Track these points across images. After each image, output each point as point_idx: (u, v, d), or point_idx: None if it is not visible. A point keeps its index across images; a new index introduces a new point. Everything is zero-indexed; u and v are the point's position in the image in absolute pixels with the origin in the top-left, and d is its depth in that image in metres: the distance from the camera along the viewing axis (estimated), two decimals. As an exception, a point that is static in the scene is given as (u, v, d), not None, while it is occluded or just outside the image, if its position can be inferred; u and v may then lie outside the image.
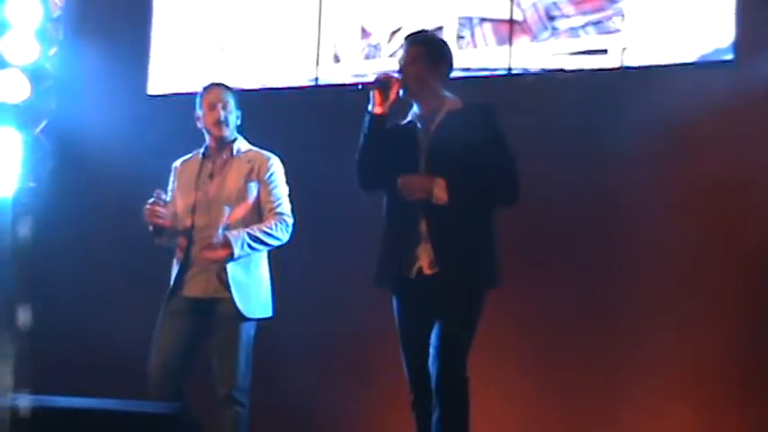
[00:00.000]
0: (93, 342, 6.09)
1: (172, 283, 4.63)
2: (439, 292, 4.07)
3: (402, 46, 4.29)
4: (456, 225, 4.06)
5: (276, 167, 4.72)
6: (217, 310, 4.56)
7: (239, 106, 4.73)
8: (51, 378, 5.83)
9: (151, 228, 4.58)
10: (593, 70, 5.67)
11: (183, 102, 6.28)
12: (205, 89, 4.76)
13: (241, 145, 4.74)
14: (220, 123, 4.66)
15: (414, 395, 4.19)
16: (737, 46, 5.35)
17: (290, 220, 4.67)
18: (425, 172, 4.12)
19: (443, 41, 4.37)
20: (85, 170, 6.50)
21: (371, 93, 4.15)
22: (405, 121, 4.28)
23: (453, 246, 4.07)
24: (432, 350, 4.05)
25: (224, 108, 4.68)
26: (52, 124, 6.60)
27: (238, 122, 4.74)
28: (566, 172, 5.47)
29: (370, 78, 4.23)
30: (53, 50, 6.58)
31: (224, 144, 4.70)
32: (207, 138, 4.74)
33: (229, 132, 4.70)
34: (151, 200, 4.54)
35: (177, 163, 4.83)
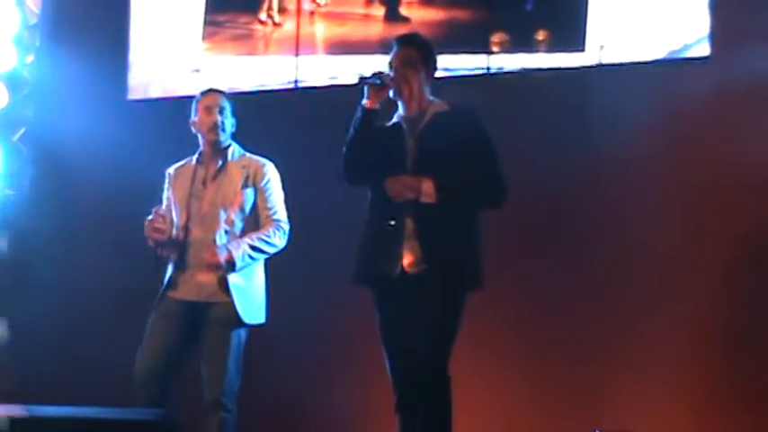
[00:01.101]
0: (74, 350, 6.07)
1: (165, 285, 4.61)
2: (422, 291, 4.07)
3: (393, 47, 4.29)
4: (443, 224, 4.06)
5: (272, 174, 4.70)
6: (209, 315, 4.54)
7: (235, 114, 4.72)
8: (33, 387, 5.87)
9: (152, 244, 4.55)
10: (570, 68, 5.68)
11: (163, 107, 6.37)
12: (202, 94, 4.75)
13: (236, 150, 4.72)
14: (216, 128, 4.64)
15: (397, 396, 4.18)
16: (713, 41, 5.36)
17: (287, 227, 4.66)
18: (412, 172, 4.12)
19: (431, 44, 4.37)
20: (65, 178, 6.47)
21: (366, 87, 4.15)
22: (390, 123, 4.29)
23: (440, 245, 4.07)
24: (414, 353, 4.05)
25: (220, 113, 4.65)
26: (31, 132, 6.60)
27: (233, 129, 4.71)
28: (545, 170, 5.47)
29: (366, 73, 4.20)
30: (30, 57, 6.57)
31: (218, 150, 4.67)
32: (201, 143, 4.71)
33: (224, 138, 4.67)
34: (150, 217, 4.51)
35: (171, 169, 4.79)
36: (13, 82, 6.43)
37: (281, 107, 6.12)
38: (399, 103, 4.25)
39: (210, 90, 4.78)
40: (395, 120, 4.28)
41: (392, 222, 4.11)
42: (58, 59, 6.61)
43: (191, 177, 4.67)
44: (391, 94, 4.20)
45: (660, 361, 5.27)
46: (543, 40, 5.81)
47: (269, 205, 4.65)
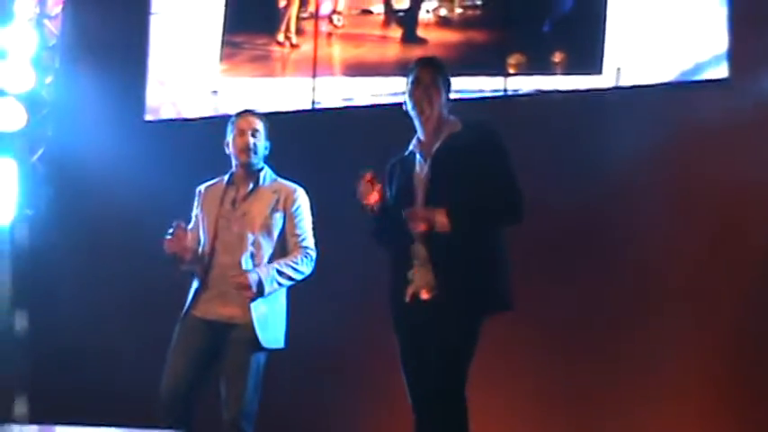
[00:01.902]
0: (96, 370, 6.07)
1: (189, 303, 4.58)
2: (436, 316, 4.04)
3: (411, 70, 4.27)
4: (457, 248, 4.03)
5: (302, 200, 4.67)
6: (230, 335, 4.52)
7: (269, 137, 4.69)
8: (57, 407, 5.85)
9: (172, 258, 4.51)
10: (587, 90, 5.70)
11: (181, 127, 6.39)
12: (237, 115, 4.71)
13: (267, 174, 4.70)
14: (248, 150, 4.61)
15: (415, 415, 4.16)
16: (732, 63, 5.37)
17: (314, 254, 4.64)
18: (426, 196, 4.11)
19: (444, 65, 4.35)
20: (83, 197, 6.47)
21: (358, 190, 4.13)
22: (407, 152, 4.29)
23: (454, 270, 4.04)
24: (429, 379, 4.03)
25: (253, 135, 4.62)
26: (49, 152, 6.61)
27: (266, 152, 4.69)
28: (560, 191, 5.47)
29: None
30: (49, 78, 6.59)
31: (250, 172, 4.65)
32: (234, 164, 4.69)
33: (257, 160, 4.64)
34: (171, 230, 4.49)
35: (202, 187, 4.76)
36: (32, 102, 6.44)
37: (299, 128, 6.10)
38: (417, 125, 4.25)
39: (246, 111, 4.73)
40: (411, 148, 4.28)
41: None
42: (76, 80, 6.64)
43: (220, 198, 4.65)
44: (410, 110, 4.20)
45: (677, 371, 5.30)
46: (560, 62, 5.82)
47: (297, 231, 4.62)
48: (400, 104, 4.23)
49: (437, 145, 4.17)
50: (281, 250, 4.60)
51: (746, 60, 5.34)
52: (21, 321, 6.38)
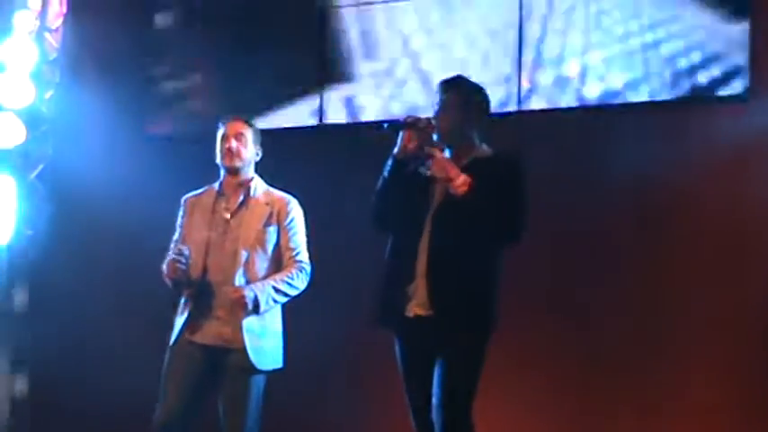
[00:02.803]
0: (94, 393, 5.95)
1: (181, 326, 4.43)
2: (439, 335, 3.95)
3: (437, 91, 4.16)
4: (456, 265, 3.94)
5: (296, 212, 4.54)
6: (228, 361, 4.38)
7: (259, 143, 4.56)
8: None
9: (171, 283, 4.40)
10: (598, 106, 5.63)
11: (185, 142, 6.28)
12: (223, 122, 4.59)
13: (258, 185, 4.57)
14: (231, 154, 4.46)
15: None
16: (749, 80, 5.29)
17: (309, 268, 4.51)
18: (435, 214, 4.01)
19: (480, 87, 4.22)
20: (84, 216, 6.35)
21: (400, 134, 4.04)
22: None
23: (450, 286, 3.94)
24: (434, 399, 3.94)
25: (237, 139, 4.48)
26: (49, 169, 6.49)
27: (257, 159, 4.56)
28: (576, 206, 5.44)
29: (398, 118, 4.13)
30: (49, 93, 6.49)
31: (239, 181, 4.53)
32: (222, 173, 4.57)
33: (241, 164, 4.50)
34: (172, 255, 4.37)
35: (189, 197, 4.63)
36: (31, 118, 6.35)
37: (304, 144, 6.06)
38: (447, 147, 4.13)
39: (232, 117, 4.60)
40: None
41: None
42: (77, 95, 6.52)
43: (210, 209, 4.52)
44: (434, 137, 4.07)
45: (681, 393, 5.28)
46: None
47: (292, 245, 4.49)
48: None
49: (461, 163, 4.06)
50: (275, 264, 4.47)
51: (764, 76, 5.26)
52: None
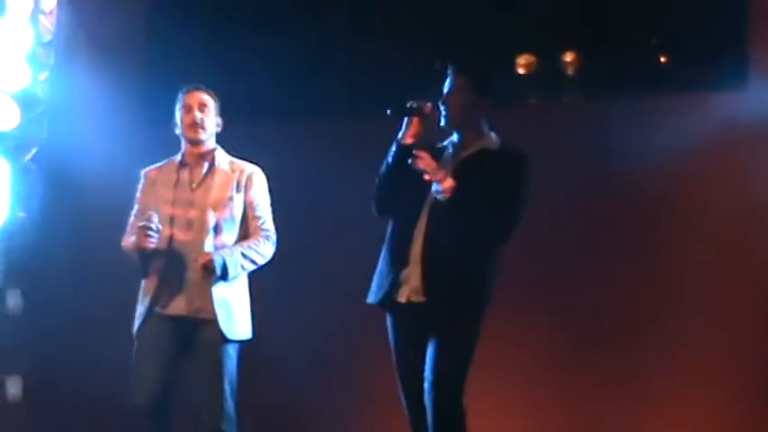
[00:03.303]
0: (86, 376, 5.94)
1: (148, 301, 4.38)
2: (431, 320, 3.95)
3: (447, 73, 4.11)
4: (451, 251, 3.94)
5: (261, 181, 4.50)
6: (199, 333, 4.33)
7: (221, 113, 4.50)
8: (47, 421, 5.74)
9: (139, 253, 4.32)
10: (597, 95, 5.67)
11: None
12: (183, 92, 4.51)
13: (222, 155, 4.50)
14: (195, 126, 4.42)
15: (411, 421, 4.08)
16: (750, 68, 5.33)
17: (275, 237, 4.48)
18: (431, 201, 3.99)
19: (490, 72, 4.20)
20: (78, 199, 6.33)
21: (405, 120, 4.00)
22: (440, 145, 4.15)
23: (444, 273, 3.94)
24: (426, 383, 3.94)
25: (201, 110, 4.43)
26: (43, 152, 6.44)
27: (219, 130, 4.50)
28: (574, 195, 5.45)
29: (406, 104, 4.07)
30: (44, 75, 6.43)
31: (202, 152, 4.46)
32: (183, 144, 4.49)
33: (206, 137, 4.45)
34: (142, 223, 4.31)
35: (148, 170, 4.58)
36: (26, 101, 6.31)
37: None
38: (454, 132, 4.09)
39: (192, 87, 4.52)
40: (446, 143, 4.15)
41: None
42: (72, 78, 6.48)
43: (174, 181, 4.46)
44: (442, 122, 4.05)
45: (682, 380, 5.31)
46: (572, 62, 5.68)
47: (257, 214, 4.46)
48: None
49: (468, 152, 4.02)
50: (243, 233, 4.42)
51: (762, 63, 5.30)
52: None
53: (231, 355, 4.37)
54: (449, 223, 3.93)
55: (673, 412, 5.31)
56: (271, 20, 6.20)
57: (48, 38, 6.51)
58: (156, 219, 4.30)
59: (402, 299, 4.02)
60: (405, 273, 4.01)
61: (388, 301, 4.06)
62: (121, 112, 6.38)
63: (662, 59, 5.56)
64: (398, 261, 4.03)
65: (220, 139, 4.55)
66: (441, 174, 3.91)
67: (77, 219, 6.34)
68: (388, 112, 4.04)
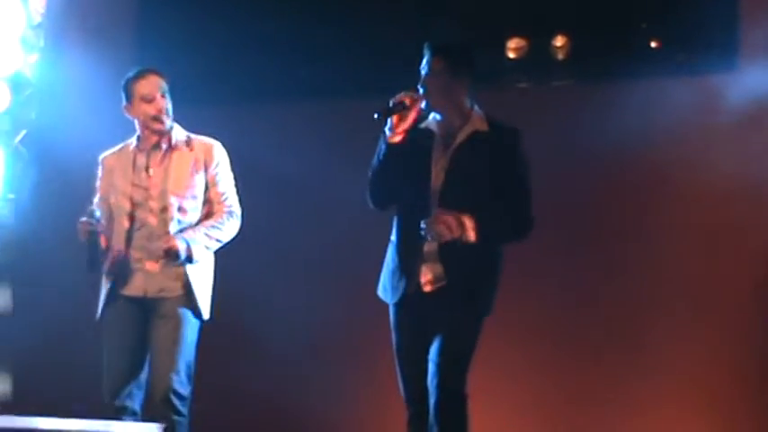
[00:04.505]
0: (74, 357, 5.86)
1: (110, 284, 4.36)
2: (440, 309, 3.94)
3: (424, 56, 4.08)
4: (466, 247, 3.91)
5: (221, 156, 4.46)
6: (158, 311, 4.31)
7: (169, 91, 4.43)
8: (33, 396, 5.71)
9: (86, 242, 4.28)
10: (587, 79, 5.67)
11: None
12: (137, 77, 4.42)
13: (179, 133, 4.45)
14: (162, 116, 4.38)
15: (409, 410, 4.08)
16: (740, 51, 5.32)
17: (239, 212, 4.45)
18: (441, 191, 3.97)
19: (467, 50, 4.16)
20: (68, 182, 6.20)
21: (389, 118, 3.95)
22: (422, 125, 4.10)
23: (461, 266, 3.95)
24: (431, 366, 3.93)
25: (163, 97, 4.39)
26: (33, 134, 6.41)
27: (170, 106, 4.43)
28: (562, 185, 5.42)
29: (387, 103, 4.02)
30: (34, 58, 6.40)
31: (161, 135, 4.42)
32: (139, 129, 4.43)
33: (170, 123, 4.42)
34: (84, 218, 4.27)
35: (106, 155, 4.54)
36: (16, 83, 6.28)
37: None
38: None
39: (148, 71, 4.44)
40: (427, 123, 4.09)
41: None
42: (62, 60, 6.45)
43: (131, 164, 4.42)
44: (423, 106, 4.00)
45: (676, 374, 5.31)
46: (562, 47, 5.66)
47: (220, 190, 4.43)
48: None
49: (461, 138, 4.00)
50: (206, 211, 4.40)
51: (755, 47, 5.28)
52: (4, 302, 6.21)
53: (191, 333, 4.34)
54: (463, 207, 3.92)
55: (673, 412, 5.33)
56: (261, 1, 6.18)
57: (38, 20, 6.48)
58: (98, 213, 4.27)
59: (411, 290, 4.00)
60: (416, 265, 4.00)
61: (396, 293, 4.07)
62: (111, 94, 6.33)
63: (652, 43, 5.51)
64: (413, 259, 4.02)
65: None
66: (462, 228, 3.89)
67: (67, 199, 6.22)
68: (376, 116, 3.97)
